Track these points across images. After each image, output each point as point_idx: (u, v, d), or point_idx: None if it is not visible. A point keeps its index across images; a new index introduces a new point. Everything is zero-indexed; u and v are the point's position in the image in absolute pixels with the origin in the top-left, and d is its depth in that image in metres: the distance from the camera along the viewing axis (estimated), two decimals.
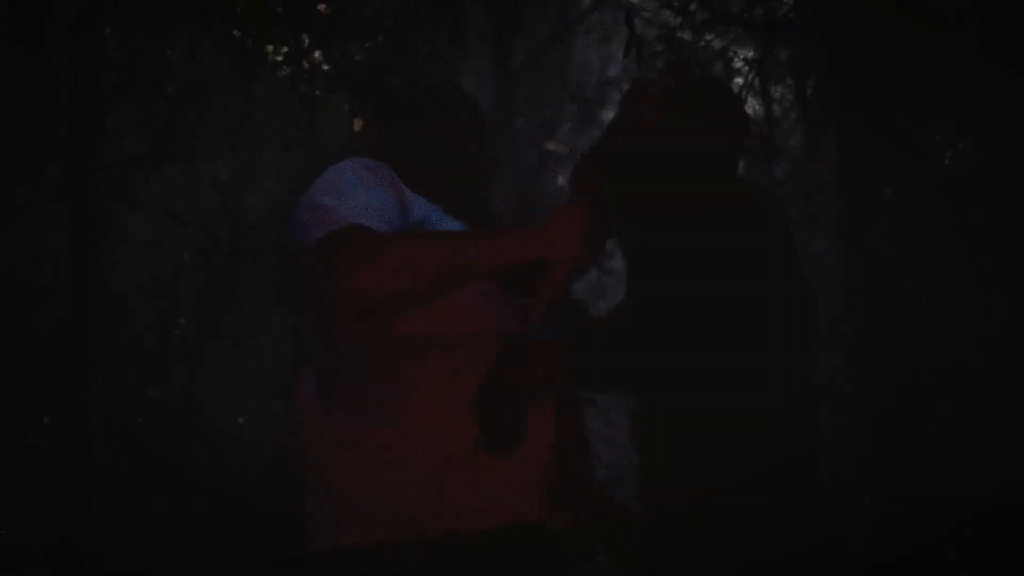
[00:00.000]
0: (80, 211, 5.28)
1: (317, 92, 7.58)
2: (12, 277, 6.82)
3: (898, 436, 5.37)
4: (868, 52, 5.32)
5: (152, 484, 7.08)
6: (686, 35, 6.82)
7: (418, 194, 2.51)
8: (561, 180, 12.34)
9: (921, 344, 5.69)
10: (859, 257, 5.64)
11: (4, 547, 5.87)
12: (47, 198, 6.34)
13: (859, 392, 5.71)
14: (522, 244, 2.37)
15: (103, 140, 5.95)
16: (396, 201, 2.43)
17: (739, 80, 7.76)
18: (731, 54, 7.27)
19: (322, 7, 7.24)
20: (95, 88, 5.62)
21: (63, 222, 5.85)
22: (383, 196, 2.42)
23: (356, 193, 2.40)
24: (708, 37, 6.93)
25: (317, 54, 7.51)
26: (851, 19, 5.37)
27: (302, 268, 2.42)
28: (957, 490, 5.55)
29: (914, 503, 5.38)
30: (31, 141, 6.43)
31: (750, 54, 7.44)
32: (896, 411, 5.37)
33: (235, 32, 7.17)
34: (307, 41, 7.41)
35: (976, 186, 6.35)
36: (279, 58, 7.37)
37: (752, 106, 7.85)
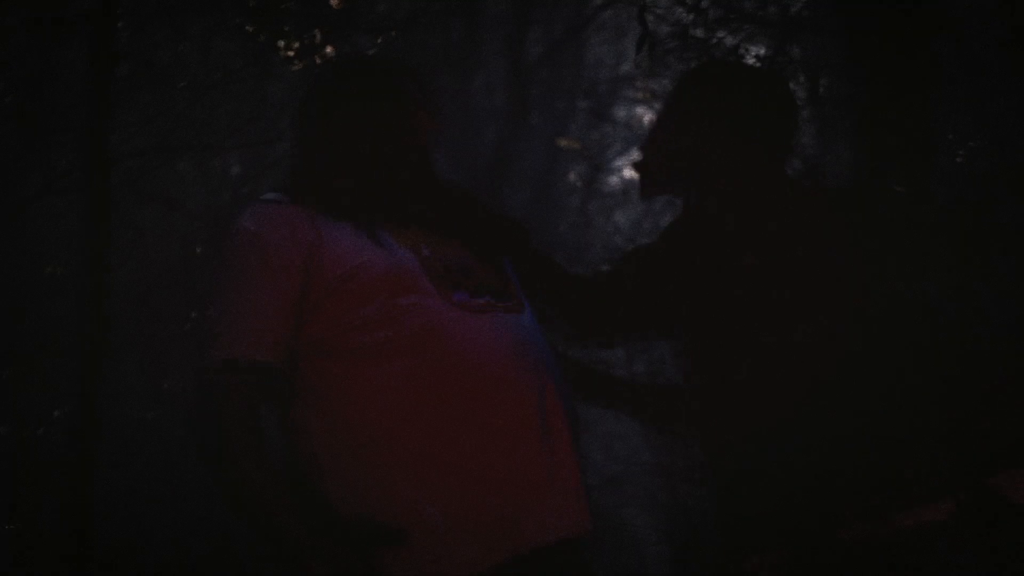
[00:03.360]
0: (91, 203, 5.28)
1: None
2: (23, 268, 6.84)
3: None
4: (882, 50, 5.30)
5: (161, 477, 7.08)
6: (699, 32, 6.80)
7: (343, 221, 2.41)
8: (572, 176, 12.34)
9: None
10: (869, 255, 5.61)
11: (14, 540, 5.88)
12: (58, 190, 6.36)
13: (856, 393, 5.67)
14: None
15: (115, 133, 5.96)
16: (288, 282, 2.34)
17: None
18: (743, 51, 7.24)
19: (335, 1, 7.24)
20: (108, 80, 5.61)
21: (74, 214, 5.86)
22: (270, 289, 2.35)
23: (239, 299, 2.36)
24: (720, 34, 6.91)
25: (329, 49, 7.50)
26: (865, 17, 5.35)
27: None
28: None
29: None
30: (43, 132, 6.44)
31: (762, 51, 7.42)
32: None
33: (248, 27, 7.17)
34: (319, 36, 7.40)
35: (988, 185, 6.33)
36: (291, 53, 7.36)
37: None
